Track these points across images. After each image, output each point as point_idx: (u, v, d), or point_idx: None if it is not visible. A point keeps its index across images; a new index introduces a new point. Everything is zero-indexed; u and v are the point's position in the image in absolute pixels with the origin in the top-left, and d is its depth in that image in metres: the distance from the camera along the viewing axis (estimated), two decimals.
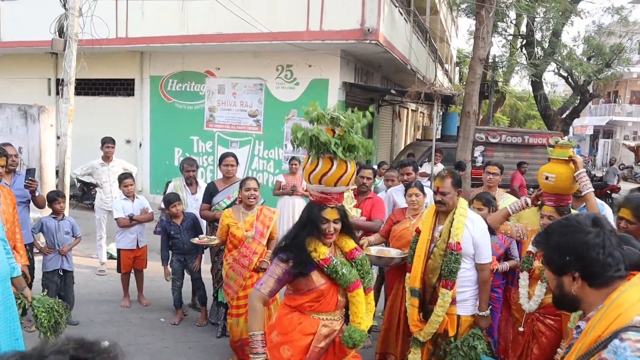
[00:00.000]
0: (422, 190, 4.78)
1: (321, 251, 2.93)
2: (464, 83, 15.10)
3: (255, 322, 2.89)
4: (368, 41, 9.32)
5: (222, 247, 5.07)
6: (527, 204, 3.81)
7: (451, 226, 3.65)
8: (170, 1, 10.36)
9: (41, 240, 5.56)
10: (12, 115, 8.28)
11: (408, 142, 19.93)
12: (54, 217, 5.42)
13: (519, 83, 31.06)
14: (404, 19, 11.93)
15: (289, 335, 2.95)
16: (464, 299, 3.68)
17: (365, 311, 3.00)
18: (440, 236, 3.69)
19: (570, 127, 25.07)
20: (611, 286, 1.63)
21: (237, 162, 5.64)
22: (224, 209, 5.02)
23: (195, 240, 5.05)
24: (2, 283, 3.44)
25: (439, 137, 14.74)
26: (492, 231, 4.13)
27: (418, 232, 3.91)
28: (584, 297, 1.69)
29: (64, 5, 8.03)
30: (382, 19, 9.34)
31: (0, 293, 3.40)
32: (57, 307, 4.18)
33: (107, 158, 7.43)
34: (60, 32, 8.06)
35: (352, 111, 2.96)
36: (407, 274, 3.90)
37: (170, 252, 5.62)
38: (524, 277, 3.78)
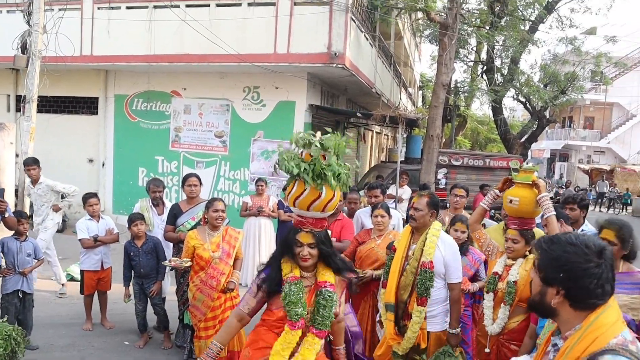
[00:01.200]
0: (387, 212, 4.93)
1: (294, 272, 2.97)
2: (427, 106, 15.48)
3: (222, 333, 3.03)
4: (335, 65, 9.47)
5: (188, 269, 5.02)
6: (497, 195, 3.99)
7: (424, 245, 3.76)
8: (137, 21, 10.33)
9: (2, 262, 5.35)
10: None
11: (373, 164, 20.17)
12: (15, 238, 5.26)
13: (480, 107, 32.05)
14: (370, 43, 12.18)
15: (255, 343, 3.03)
16: (432, 315, 3.79)
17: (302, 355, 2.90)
18: (413, 254, 3.82)
19: (529, 151, 25.86)
20: (590, 310, 1.67)
21: (201, 183, 5.63)
22: (188, 230, 5.03)
23: (166, 262, 4.98)
24: None
25: (404, 159, 14.98)
26: (463, 252, 4.27)
27: (394, 250, 4.02)
28: (561, 313, 1.73)
29: (28, 22, 7.94)
30: (348, 43, 9.52)
31: None
32: (14, 335, 4.06)
33: (33, 181, 7.16)
34: (23, 48, 7.94)
35: (323, 133, 3.03)
36: (382, 290, 4.01)
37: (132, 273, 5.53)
38: (488, 299, 3.85)
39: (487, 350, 3.78)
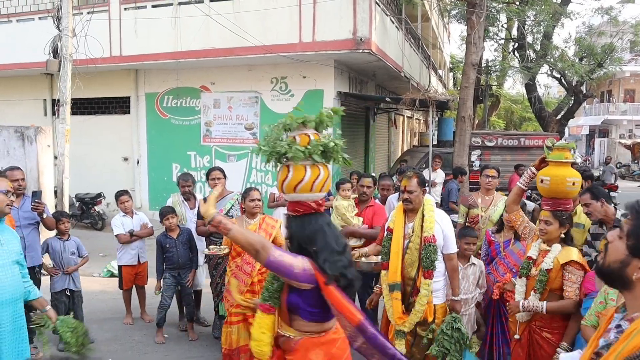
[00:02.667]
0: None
1: None
2: (458, 88, 15.18)
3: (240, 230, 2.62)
4: (361, 50, 9.39)
5: (220, 261, 5.20)
6: (533, 173, 3.85)
7: (422, 221, 3.91)
8: (163, 18, 10.44)
9: (47, 261, 5.54)
10: (8, 137, 8.30)
11: (405, 149, 19.99)
12: (59, 238, 5.42)
13: (513, 86, 31.08)
14: (396, 27, 12.03)
15: None
16: (436, 288, 3.95)
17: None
18: (413, 232, 3.94)
19: (566, 128, 25.14)
20: None
21: (225, 176, 5.67)
22: None
23: (206, 251, 5.11)
24: (13, 304, 3.43)
25: (436, 143, 14.78)
26: (518, 237, 4.32)
27: (390, 231, 4.09)
28: (635, 289, 1.53)
29: (58, 27, 8.09)
30: (373, 27, 9.42)
31: (10, 314, 3.40)
32: (79, 327, 4.19)
33: None
34: (55, 53, 8.11)
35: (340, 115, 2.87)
36: (383, 272, 4.09)
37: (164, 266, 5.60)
38: (521, 284, 3.68)
39: (516, 336, 3.67)
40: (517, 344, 3.70)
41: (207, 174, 5.69)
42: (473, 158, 13.05)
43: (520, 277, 3.73)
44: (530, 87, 18.89)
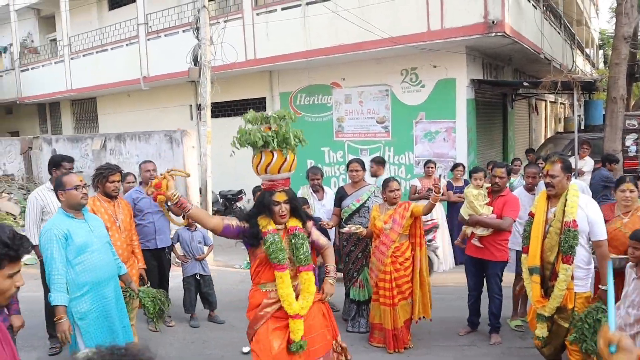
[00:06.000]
0: (636, 185, 4.37)
1: (270, 226, 3.57)
2: (609, 66, 13.82)
3: (199, 210, 3.71)
4: (493, 34, 8.89)
5: (353, 248, 5.77)
6: None
7: (565, 206, 3.87)
8: (292, 19, 10.75)
9: (179, 250, 6.16)
10: (159, 141, 9.12)
11: (548, 136, 18.68)
12: (187, 229, 6.03)
13: None
14: (532, 5, 11.23)
15: (250, 307, 3.70)
16: (578, 277, 3.90)
17: (304, 291, 3.58)
18: (554, 217, 3.93)
19: None
20: None
21: (364, 168, 5.98)
22: (352, 212, 5.77)
23: (345, 229, 5.45)
24: (113, 280, 4.03)
25: (583, 128, 13.60)
26: None
27: (532, 215, 4.14)
28: None
29: (197, 37, 8.69)
30: (506, 8, 8.87)
31: (112, 289, 3.98)
32: (159, 296, 4.67)
33: None
34: (195, 61, 8.73)
35: None
36: (524, 255, 4.19)
37: None
38: None
39: None
40: None
41: (347, 166, 6.13)
42: (628, 143, 11.84)
43: None
44: None
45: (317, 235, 3.89)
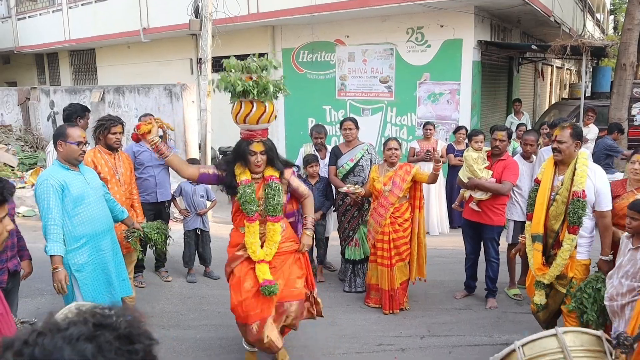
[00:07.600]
0: None
1: (244, 175, 3.70)
2: (619, 33, 13.52)
3: (177, 158, 3.79)
4: None
5: (349, 208, 5.72)
6: None
7: (573, 175, 3.79)
8: None
9: (181, 204, 6.15)
10: (159, 95, 8.97)
11: (553, 102, 18.48)
12: (190, 182, 5.91)
13: None
14: None
15: (230, 244, 3.90)
16: (580, 244, 3.84)
17: (269, 239, 3.74)
18: (562, 184, 3.86)
19: None
20: None
21: (357, 127, 5.92)
22: (347, 171, 5.73)
23: (344, 189, 5.46)
24: (109, 232, 4.04)
25: (589, 95, 13.41)
26: None
27: (537, 182, 4.09)
28: None
29: None
30: None
31: (109, 241, 4.01)
32: (162, 227, 4.77)
33: None
34: (196, 13, 8.49)
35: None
36: (527, 222, 4.14)
37: None
38: None
39: None
40: None
41: (340, 124, 6.02)
42: (634, 112, 11.67)
43: None
44: None
45: (297, 183, 3.99)
